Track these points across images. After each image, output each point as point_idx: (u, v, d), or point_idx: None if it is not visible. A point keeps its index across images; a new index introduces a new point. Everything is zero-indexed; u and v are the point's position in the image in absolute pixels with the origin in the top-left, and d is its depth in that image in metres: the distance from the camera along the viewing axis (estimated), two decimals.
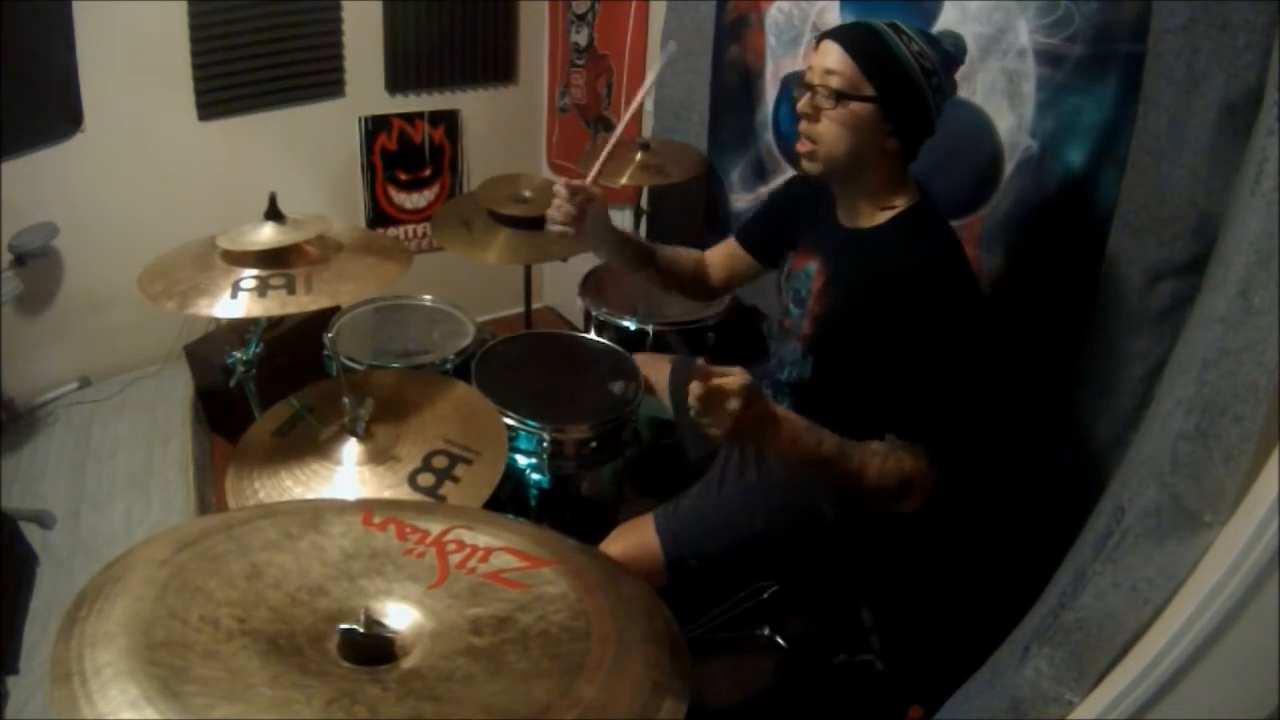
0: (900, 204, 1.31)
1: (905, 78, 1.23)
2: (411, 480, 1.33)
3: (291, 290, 1.43)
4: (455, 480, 1.34)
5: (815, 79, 1.26)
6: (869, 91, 1.23)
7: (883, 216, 1.31)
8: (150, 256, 1.53)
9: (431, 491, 1.32)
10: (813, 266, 1.41)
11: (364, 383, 1.56)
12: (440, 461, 1.37)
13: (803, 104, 1.29)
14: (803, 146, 1.32)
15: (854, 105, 1.24)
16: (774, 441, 1.20)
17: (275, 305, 1.41)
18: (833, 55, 1.24)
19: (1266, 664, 0.79)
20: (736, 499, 1.46)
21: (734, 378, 1.13)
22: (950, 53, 1.28)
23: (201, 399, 2.62)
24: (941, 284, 1.23)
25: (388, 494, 1.31)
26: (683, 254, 1.69)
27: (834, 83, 1.24)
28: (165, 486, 2.27)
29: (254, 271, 1.46)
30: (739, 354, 1.82)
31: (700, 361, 1.13)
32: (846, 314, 1.33)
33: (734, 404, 1.11)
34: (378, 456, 1.37)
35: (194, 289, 1.43)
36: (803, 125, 1.30)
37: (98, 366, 2.68)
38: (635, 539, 1.45)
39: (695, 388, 1.12)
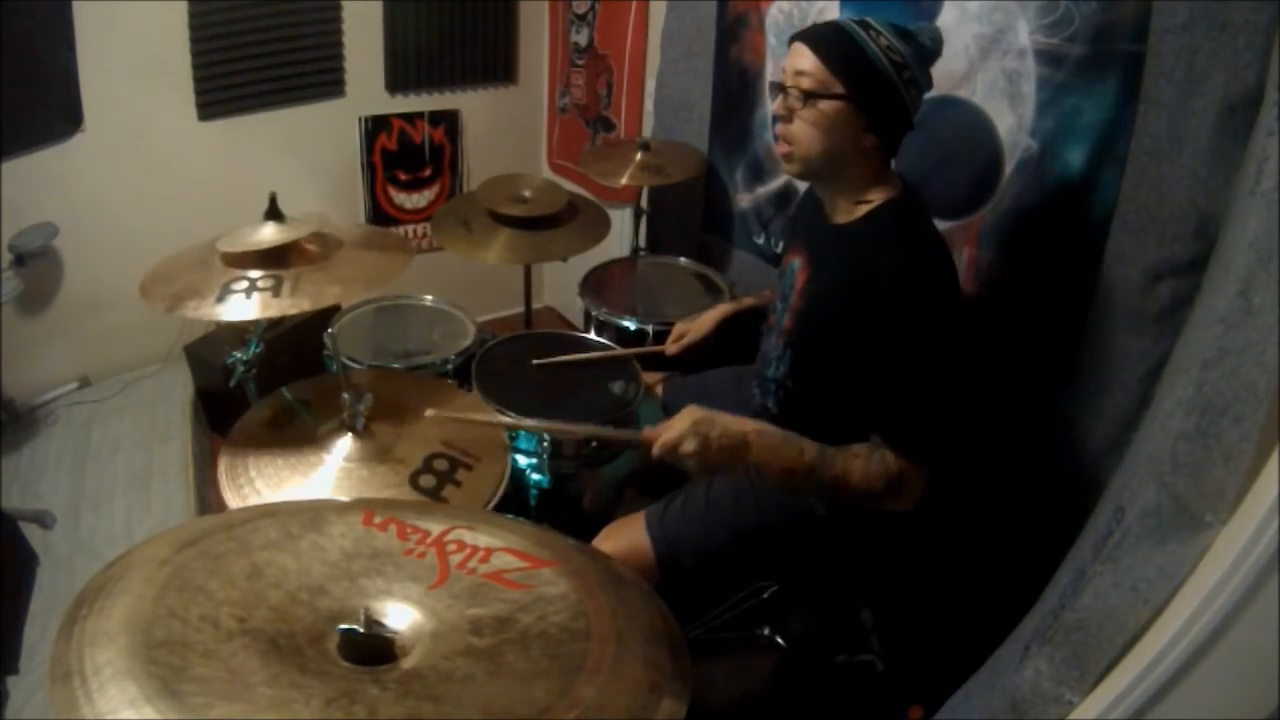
0: (877, 199, 1.31)
1: (874, 73, 1.23)
2: (413, 481, 1.33)
3: (277, 293, 1.41)
4: (457, 485, 1.34)
5: (787, 80, 1.28)
6: (839, 89, 1.24)
7: (859, 211, 1.32)
8: (150, 257, 1.53)
9: (433, 493, 1.32)
10: (798, 262, 1.42)
11: (364, 383, 1.56)
12: (441, 464, 1.37)
13: (776, 106, 1.31)
14: (780, 148, 1.34)
15: (824, 104, 1.25)
16: (751, 460, 1.23)
17: (259, 308, 1.40)
18: (802, 56, 1.26)
19: (1266, 664, 0.79)
20: (727, 497, 1.46)
21: (675, 430, 1.21)
22: (926, 45, 1.28)
23: (201, 399, 2.62)
24: (913, 279, 1.23)
25: (388, 494, 1.31)
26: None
27: (804, 84, 1.25)
28: (165, 486, 2.27)
29: (247, 273, 1.44)
30: (739, 354, 1.82)
31: (646, 429, 1.24)
32: (822, 308, 1.34)
33: (688, 447, 1.19)
34: (378, 456, 1.37)
35: (186, 289, 1.42)
36: (779, 127, 1.32)
37: (98, 366, 2.67)
38: (626, 538, 1.45)
39: (653, 452, 1.22)
